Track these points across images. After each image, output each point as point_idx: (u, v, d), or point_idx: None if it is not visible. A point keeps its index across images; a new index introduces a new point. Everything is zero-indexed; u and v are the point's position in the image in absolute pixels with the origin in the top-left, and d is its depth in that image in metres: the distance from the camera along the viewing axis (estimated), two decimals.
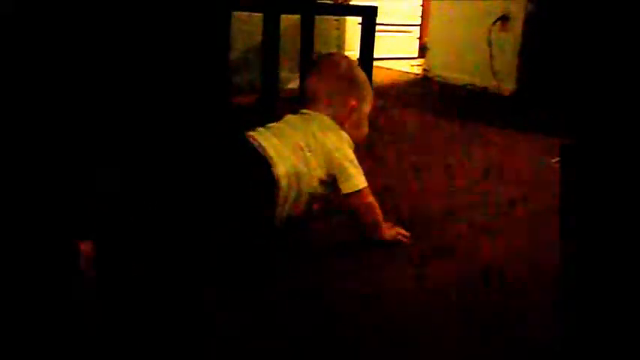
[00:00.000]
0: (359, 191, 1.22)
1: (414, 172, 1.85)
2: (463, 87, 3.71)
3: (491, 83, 3.55)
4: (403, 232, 1.30)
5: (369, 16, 2.49)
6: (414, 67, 4.52)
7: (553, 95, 3.04)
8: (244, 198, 1.13)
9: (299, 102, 1.34)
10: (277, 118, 1.32)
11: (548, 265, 1.18)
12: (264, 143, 1.17)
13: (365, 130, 1.34)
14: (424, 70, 4.18)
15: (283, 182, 1.14)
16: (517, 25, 3.40)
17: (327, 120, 1.26)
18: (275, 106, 2.31)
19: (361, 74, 1.33)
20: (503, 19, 3.48)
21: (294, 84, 3.00)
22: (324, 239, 1.31)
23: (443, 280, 1.14)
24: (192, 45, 1.49)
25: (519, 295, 1.09)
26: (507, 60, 3.46)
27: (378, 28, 2.84)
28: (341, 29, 4.69)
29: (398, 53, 4.97)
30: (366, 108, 1.33)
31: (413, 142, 2.28)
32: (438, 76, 3.99)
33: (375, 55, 2.79)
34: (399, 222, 1.35)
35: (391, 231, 1.29)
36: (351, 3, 2.83)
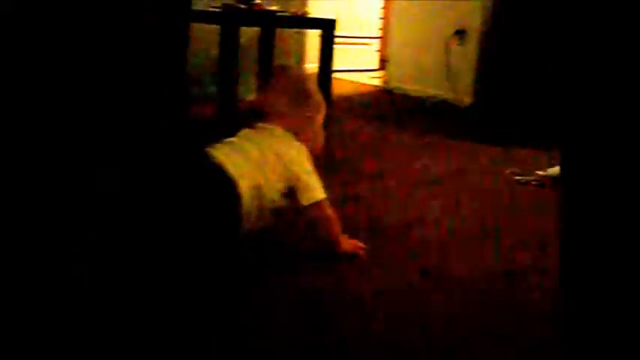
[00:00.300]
0: (318, 203, 1.23)
1: (372, 183, 1.86)
2: (422, 99, 3.76)
3: (449, 95, 3.62)
4: (361, 245, 1.31)
5: (327, 28, 2.51)
6: (374, 80, 4.57)
7: (509, 107, 3.11)
8: (209, 214, 1.14)
9: (256, 116, 1.34)
10: (236, 130, 1.33)
11: (517, 272, 1.22)
12: (222, 159, 1.17)
13: (321, 140, 1.37)
14: (384, 82, 4.23)
15: (246, 197, 1.15)
16: (473, 39, 3.48)
17: (283, 133, 1.28)
18: (234, 118, 2.31)
19: (313, 86, 1.37)
20: (460, 32, 3.55)
21: (253, 96, 2.99)
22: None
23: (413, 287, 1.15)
24: (150, 57, 1.48)
25: (506, 299, 1.14)
26: (464, 73, 3.53)
27: (338, 40, 2.86)
28: (301, 41, 4.71)
29: (358, 65, 5.01)
30: (320, 119, 1.36)
31: (370, 153, 2.30)
32: (398, 88, 4.04)
33: (336, 67, 2.81)
34: (356, 233, 1.35)
35: (349, 244, 1.30)
36: (310, 16, 2.85)
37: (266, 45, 2.86)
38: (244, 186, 1.15)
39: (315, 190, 1.23)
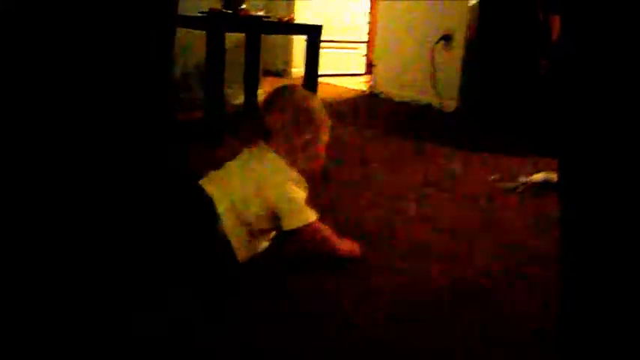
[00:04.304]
0: (303, 228, 1.25)
1: (353, 191, 1.87)
2: (408, 104, 3.78)
3: (434, 100, 3.64)
4: (356, 245, 1.35)
5: (313, 34, 2.52)
6: (361, 84, 4.59)
7: (494, 113, 3.13)
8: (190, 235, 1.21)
9: (261, 135, 1.34)
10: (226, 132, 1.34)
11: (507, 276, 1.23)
12: (208, 189, 1.24)
13: (321, 160, 1.37)
14: (370, 86, 4.25)
15: (226, 219, 1.21)
16: (459, 45, 3.51)
17: (274, 157, 1.29)
18: (221, 123, 2.31)
19: (317, 106, 1.36)
20: (446, 38, 3.57)
21: (240, 99, 2.99)
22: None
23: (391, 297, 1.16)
24: (134, 62, 1.49)
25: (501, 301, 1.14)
26: (450, 78, 3.56)
27: (325, 44, 2.86)
28: (288, 45, 4.72)
29: (345, 70, 5.03)
30: (324, 138, 1.36)
31: (353, 160, 2.30)
32: (384, 93, 4.05)
33: (323, 72, 2.81)
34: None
35: (346, 246, 1.33)
36: (296, 21, 2.86)
37: (252, 50, 2.86)
38: (222, 209, 1.21)
39: (296, 215, 1.25)
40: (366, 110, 3.61)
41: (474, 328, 1.08)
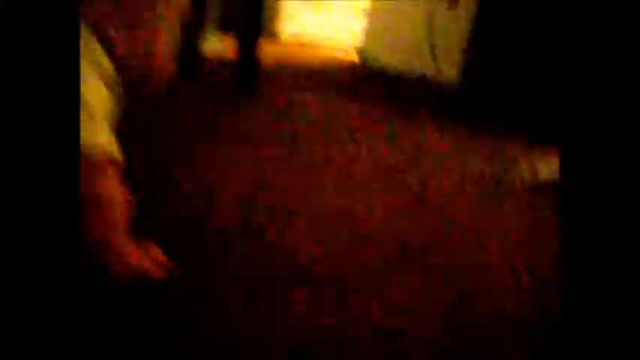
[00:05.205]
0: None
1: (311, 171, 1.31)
2: (397, 75, 3.24)
3: (431, 70, 3.07)
4: (162, 259, 0.75)
5: None
6: (348, 51, 3.98)
7: (503, 84, 2.60)
8: None
9: None
10: None
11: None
12: None
13: (164, 55, 0.77)
14: (360, 52, 3.67)
15: None
16: (468, 4, 2.89)
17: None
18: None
19: None
20: None
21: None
22: None
23: None
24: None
25: None
26: (453, 43, 2.96)
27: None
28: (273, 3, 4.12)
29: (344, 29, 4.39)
30: (172, 16, 0.77)
31: (317, 129, 1.74)
32: (375, 60, 3.49)
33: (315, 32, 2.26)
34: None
35: (137, 259, 0.72)
36: None
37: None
38: None
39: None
40: (345, 81, 3.05)
41: None
